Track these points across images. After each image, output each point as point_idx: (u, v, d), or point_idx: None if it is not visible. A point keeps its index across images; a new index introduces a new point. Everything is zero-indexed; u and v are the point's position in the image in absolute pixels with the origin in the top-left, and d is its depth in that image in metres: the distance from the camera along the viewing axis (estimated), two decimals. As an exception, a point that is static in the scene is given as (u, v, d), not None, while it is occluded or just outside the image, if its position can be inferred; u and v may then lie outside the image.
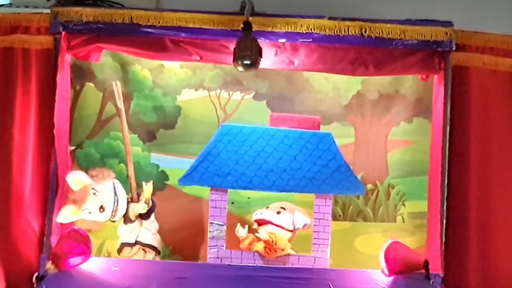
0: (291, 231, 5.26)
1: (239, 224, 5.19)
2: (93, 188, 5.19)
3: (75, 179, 5.17)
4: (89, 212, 5.20)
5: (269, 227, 5.22)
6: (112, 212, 5.24)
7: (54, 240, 5.13)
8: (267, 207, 5.31)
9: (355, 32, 5.19)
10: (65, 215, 5.12)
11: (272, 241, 5.14)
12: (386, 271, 5.14)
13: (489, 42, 5.31)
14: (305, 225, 5.27)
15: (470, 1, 5.90)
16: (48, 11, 5.24)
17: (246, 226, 5.21)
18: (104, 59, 5.53)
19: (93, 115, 5.62)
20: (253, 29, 5.08)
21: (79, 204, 5.15)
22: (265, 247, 5.18)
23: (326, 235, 5.18)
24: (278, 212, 5.26)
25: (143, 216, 5.32)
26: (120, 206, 5.26)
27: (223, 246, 5.18)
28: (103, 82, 5.60)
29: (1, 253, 5.18)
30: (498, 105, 5.30)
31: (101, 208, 5.21)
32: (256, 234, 5.17)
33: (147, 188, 5.28)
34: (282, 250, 5.19)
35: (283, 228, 5.24)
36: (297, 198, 5.38)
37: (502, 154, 5.29)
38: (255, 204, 5.46)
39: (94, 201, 5.19)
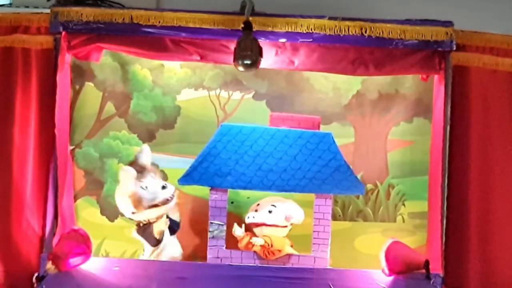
0: (285, 226, 5.25)
1: (235, 224, 5.19)
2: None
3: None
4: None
5: (264, 228, 5.22)
6: None
7: (54, 240, 5.13)
8: (258, 204, 5.28)
9: (355, 32, 5.19)
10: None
11: (268, 245, 5.14)
12: (386, 270, 5.14)
13: (489, 42, 5.31)
14: (298, 216, 5.24)
15: (470, 1, 5.90)
16: (48, 11, 5.23)
17: (243, 225, 5.22)
18: (104, 59, 5.53)
19: (93, 115, 5.61)
20: (254, 29, 5.08)
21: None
22: (263, 250, 5.18)
23: (326, 235, 5.18)
24: (270, 211, 5.25)
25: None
26: None
27: (223, 246, 5.18)
28: (103, 82, 5.60)
29: (1, 253, 5.19)
30: (498, 105, 5.30)
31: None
32: (251, 240, 5.16)
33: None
34: (280, 251, 5.18)
35: (277, 226, 5.23)
36: (297, 198, 5.36)
37: (502, 154, 5.29)
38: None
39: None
